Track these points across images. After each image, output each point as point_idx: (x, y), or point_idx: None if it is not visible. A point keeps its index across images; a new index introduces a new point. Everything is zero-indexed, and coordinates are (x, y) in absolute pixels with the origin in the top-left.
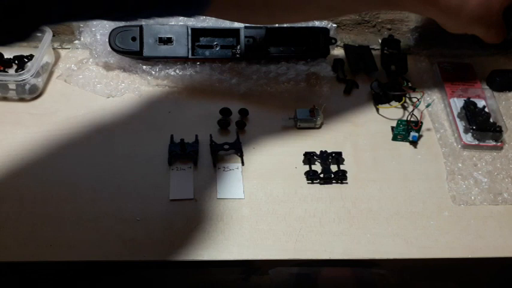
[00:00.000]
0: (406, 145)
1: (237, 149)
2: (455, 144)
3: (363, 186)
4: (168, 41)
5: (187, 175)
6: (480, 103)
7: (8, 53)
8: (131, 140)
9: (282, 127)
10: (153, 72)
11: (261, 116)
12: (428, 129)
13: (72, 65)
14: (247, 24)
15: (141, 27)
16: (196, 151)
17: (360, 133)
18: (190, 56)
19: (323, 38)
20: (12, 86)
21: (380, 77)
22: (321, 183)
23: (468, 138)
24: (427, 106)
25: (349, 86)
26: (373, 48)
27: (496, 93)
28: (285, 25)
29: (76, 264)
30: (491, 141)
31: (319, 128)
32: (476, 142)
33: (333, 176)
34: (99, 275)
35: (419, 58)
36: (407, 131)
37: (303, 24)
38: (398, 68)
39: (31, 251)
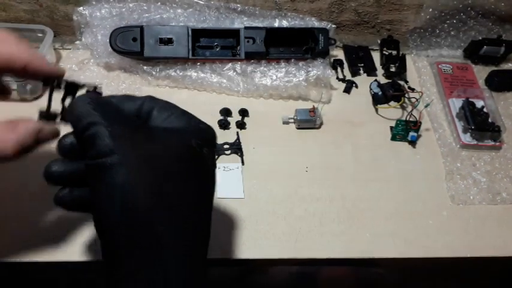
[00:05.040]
0: (405, 145)
1: (237, 149)
2: (454, 144)
3: (362, 186)
4: (168, 41)
5: None
6: (479, 103)
7: None
8: None
9: (282, 127)
10: (154, 73)
11: (261, 116)
12: (427, 129)
13: (73, 66)
14: (247, 25)
15: (141, 28)
16: None
17: (359, 133)
18: (190, 57)
19: (323, 39)
20: (13, 86)
21: (379, 77)
22: None
23: (467, 138)
24: (426, 106)
25: (348, 86)
26: (373, 49)
27: (494, 94)
28: (284, 25)
29: (76, 264)
30: (489, 141)
31: (319, 128)
32: (475, 142)
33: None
34: (100, 274)
35: (418, 58)
36: (406, 131)
37: (303, 25)
38: (397, 69)
39: (31, 251)
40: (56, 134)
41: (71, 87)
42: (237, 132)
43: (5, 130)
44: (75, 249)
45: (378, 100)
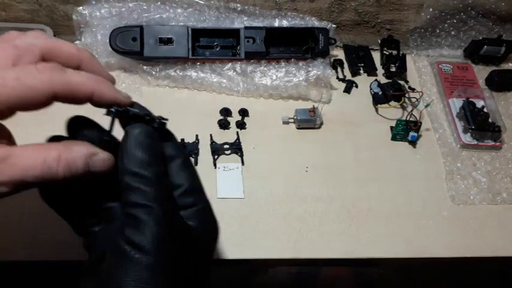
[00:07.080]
0: (405, 145)
1: (237, 149)
2: (454, 144)
3: (362, 186)
4: (168, 41)
5: None
6: (479, 103)
7: None
8: None
9: (282, 127)
10: (154, 73)
11: (261, 116)
12: (427, 129)
13: None
14: (247, 25)
15: (141, 27)
16: (196, 151)
17: (359, 133)
18: (190, 56)
19: (323, 38)
20: None
21: (379, 77)
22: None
23: (467, 138)
24: (426, 106)
25: (348, 86)
26: (373, 49)
27: (494, 94)
28: (285, 25)
29: (77, 263)
30: (490, 141)
31: (319, 128)
32: (475, 142)
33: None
34: None
35: (419, 58)
36: (406, 131)
37: (303, 24)
38: (398, 68)
39: (33, 250)
40: (110, 164)
41: (133, 119)
42: (237, 132)
43: (59, 148)
44: (75, 249)
45: (378, 100)
